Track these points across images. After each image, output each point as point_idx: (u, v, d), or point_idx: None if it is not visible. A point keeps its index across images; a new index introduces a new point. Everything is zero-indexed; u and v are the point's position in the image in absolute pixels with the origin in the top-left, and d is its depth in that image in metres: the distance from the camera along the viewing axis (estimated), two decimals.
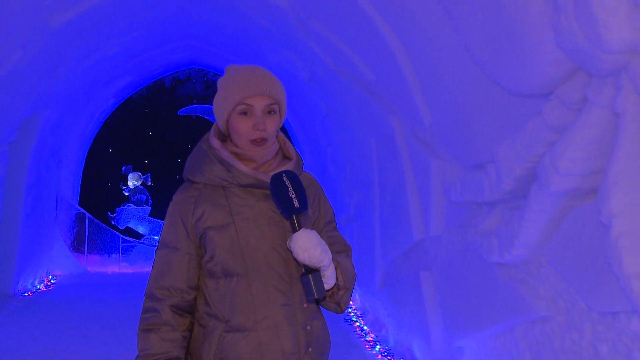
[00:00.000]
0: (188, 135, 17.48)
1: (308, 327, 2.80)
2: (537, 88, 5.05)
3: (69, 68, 11.68)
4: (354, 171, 11.03)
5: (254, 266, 2.76)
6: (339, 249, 3.01)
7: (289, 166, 2.92)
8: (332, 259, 2.76)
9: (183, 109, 17.26)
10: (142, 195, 17.12)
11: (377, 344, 9.27)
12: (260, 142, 2.84)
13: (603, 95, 4.53)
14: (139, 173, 17.06)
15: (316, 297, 2.64)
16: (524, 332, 5.97)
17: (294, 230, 2.68)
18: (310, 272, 2.65)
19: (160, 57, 14.73)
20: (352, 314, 10.94)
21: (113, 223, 16.91)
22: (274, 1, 9.29)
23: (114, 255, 16.29)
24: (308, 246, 2.60)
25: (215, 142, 2.92)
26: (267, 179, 2.81)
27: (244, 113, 2.84)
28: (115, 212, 17.08)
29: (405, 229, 8.25)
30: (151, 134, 17.30)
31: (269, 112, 2.86)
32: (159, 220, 17.33)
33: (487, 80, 5.64)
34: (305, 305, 2.82)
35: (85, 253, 16.09)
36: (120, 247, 16.43)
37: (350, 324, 10.54)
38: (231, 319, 2.75)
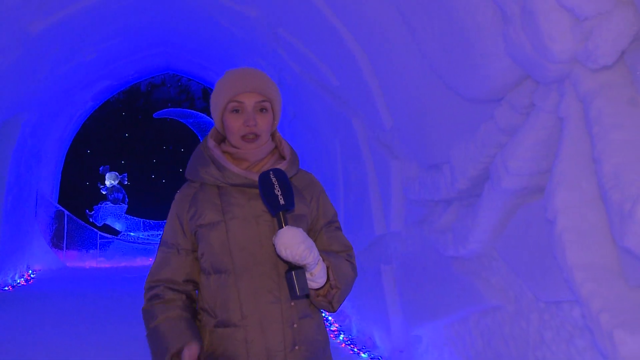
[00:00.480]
0: (163, 137, 17.45)
1: (295, 325, 2.71)
2: (489, 94, 5.11)
3: (49, 73, 11.65)
4: (320, 171, 11.03)
5: (241, 264, 2.70)
6: (337, 249, 2.91)
7: (282, 165, 2.85)
8: (324, 259, 2.69)
9: (158, 112, 17.19)
10: (119, 194, 17.06)
11: (341, 333, 9.31)
12: (251, 138, 2.77)
13: (548, 101, 4.61)
14: (116, 173, 17.00)
15: (298, 294, 2.55)
16: (477, 321, 6.04)
17: (280, 228, 2.59)
18: (294, 269, 2.57)
19: (136, 62, 14.69)
20: None
21: (91, 220, 16.84)
22: (245, 11, 9.32)
23: (91, 251, 16.22)
24: (291, 243, 2.51)
25: (211, 143, 2.86)
26: (257, 178, 2.74)
27: (236, 110, 2.78)
28: (93, 210, 17.01)
29: (367, 225, 8.30)
30: (128, 136, 17.24)
31: (261, 110, 2.79)
32: (135, 218, 17.26)
33: (443, 86, 5.69)
34: (292, 303, 2.72)
35: (64, 249, 15.99)
36: (98, 243, 16.35)
37: None
38: (219, 314, 2.70)
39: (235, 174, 2.75)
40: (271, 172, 2.63)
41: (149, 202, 17.36)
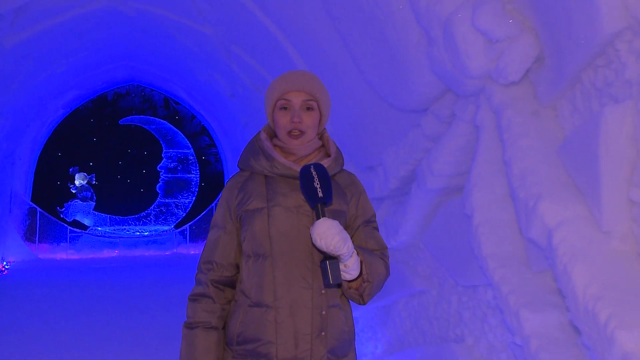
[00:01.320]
0: (128, 142, 17.28)
1: (323, 312, 2.54)
2: (417, 105, 5.20)
3: (22, 83, 11.49)
4: None
5: (278, 249, 2.56)
6: (373, 247, 2.72)
7: (326, 162, 2.67)
8: (359, 253, 2.51)
9: (123, 119, 17.05)
10: (88, 193, 16.88)
11: None
12: (296, 134, 2.64)
13: (467, 111, 4.73)
14: (85, 173, 16.81)
15: (331, 282, 2.39)
16: (405, 303, 6.14)
17: (317, 219, 2.43)
18: (329, 259, 2.40)
19: (103, 74, 14.56)
20: None
21: (62, 216, 16.63)
22: (202, 30, 9.31)
23: (62, 244, 16.02)
24: (326, 234, 2.35)
25: (263, 136, 2.74)
26: None
27: (284, 108, 2.66)
28: (63, 207, 16.80)
29: None
30: (95, 140, 17.05)
31: (307, 108, 2.66)
32: (102, 214, 17.13)
33: (377, 97, 5.77)
34: (323, 291, 2.56)
35: (37, 242, 15.78)
36: (68, 237, 16.15)
37: None
38: (255, 295, 2.56)
39: (282, 165, 2.63)
40: (312, 166, 2.49)
41: (115, 199, 17.17)
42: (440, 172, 5.04)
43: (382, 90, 5.56)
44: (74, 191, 17.02)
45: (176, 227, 17.12)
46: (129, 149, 17.43)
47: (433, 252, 5.47)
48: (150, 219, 17.40)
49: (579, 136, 3.74)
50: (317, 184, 2.43)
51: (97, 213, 17.16)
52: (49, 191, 16.90)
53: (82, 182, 16.97)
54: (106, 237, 16.61)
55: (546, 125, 4.24)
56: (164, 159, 17.44)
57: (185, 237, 16.69)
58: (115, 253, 16.09)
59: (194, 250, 16.54)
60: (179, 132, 17.31)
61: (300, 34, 6.71)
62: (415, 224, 5.58)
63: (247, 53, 8.55)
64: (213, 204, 16.67)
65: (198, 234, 16.72)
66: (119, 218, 17.28)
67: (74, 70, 12.87)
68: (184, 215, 17.28)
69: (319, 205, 2.44)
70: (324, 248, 2.36)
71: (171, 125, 17.25)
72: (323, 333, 2.53)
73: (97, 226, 17.05)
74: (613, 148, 3.41)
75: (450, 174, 5.02)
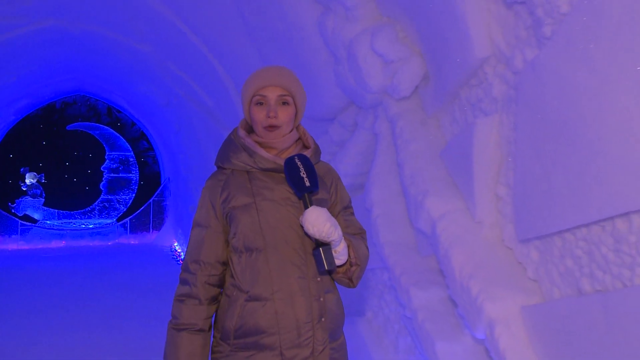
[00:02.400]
0: (74, 145, 16.95)
1: (321, 299, 2.35)
2: (325, 115, 5.27)
3: None
4: (199, 172, 10.98)
5: (271, 242, 2.33)
6: (354, 231, 2.55)
7: (306, 153, 2.45)
8: (345, 238, 2.36)
9: (70, 125, 16.71)
10: (37, 190, 16.48)
11: None
12: (272, 128, 2.39)
13: (367, 121, 4.82)
14: (35, 173, 16.42)
15: (326, 268, 2.23)
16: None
17: (306, 208, 2.26)
18: (321, 245, 2.23)
19: (52, 85, 14.22)
20: None
21: (13, 211, 16.19)
22: (141, 48, 9.20)
23: (13, 236, 15.61)
24: (317, 221, 2.19)
25: (241, 132, 2.47)
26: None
27: (260, 103, 2.41)
28: (15, 203, 16.36)
29: None
30: (45, 144, 16.64)
31: (283, 103, 2.42)
32: (50, 209, 16.75)
33: None
34: (318, 278, 2.35)
35: None
36: (19, 229, 15.73)
37: None
38: (251, 289, 2.33)
39: (266, 159, 2.39)
40: (296, 157, 2.31)
41: (63, 196, 16.81)
42: (345, 172, 5.10)
43: None
44: (24, 189, 16.57)
45: (118, 220, 16.86)
46: (75, 152, 17.07)
47: None
48: (95, 213, 17.08)
49: (457, 143, 3.85)
50: (303, 174, 2.28)
51: (46, 208, 16.76)
52: (2, 189, 16.42)
53: (32, 180, 16.55)
54: (54, 229, 16.23)
55: (431, 133, 4.34)
56: (107, 161, 17.16)
57: (126, 229, 16.45)
58: (62, 243, 15.73)
59: (133, 240, 16.31)
60: (121, 137, 17.06)
61: (226, 52, 6.70)
62: None
63: (179, 68, 8.50)
64: (151, 200, 16.49)
65: (137, 227, 16.50)
66: (66, 212, 16.92)
67: (25, 81, 12.54)
68: (124, 210, 17.02)
69: (306, 194, 2.28)
70: (316, 235, 2.21)
71: (113, 131, 16.97)
72: (323, 319, 2.36)
73: (47, 220, 16.65)
74: (483, 153, 3.53)
75: (353, 174, 5.08)
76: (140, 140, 17.24)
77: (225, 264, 2.46)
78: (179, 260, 12.68)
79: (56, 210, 16.89)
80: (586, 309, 2.91)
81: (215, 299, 2.45)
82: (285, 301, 2.30)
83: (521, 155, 3.21)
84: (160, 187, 16.61)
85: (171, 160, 14.95)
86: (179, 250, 13.63)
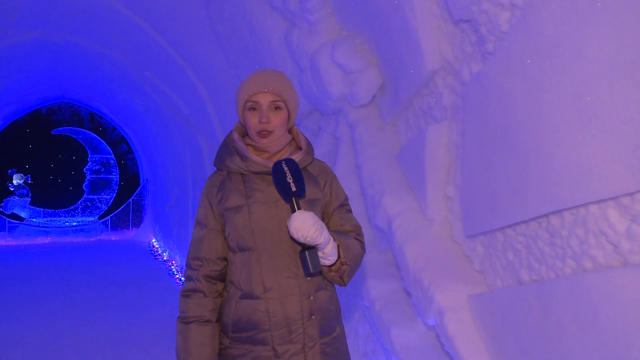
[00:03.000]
0: (58, 148, 16.73)
1: (311, 297, 2.28)
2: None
3: None
4: (175, 173, 10.92)
5: (262, 242, 2.26)
6: (349, 229, 2.47)
7: (297, 155, 2.36)
8: (335, 238, 2.27)
9: (55, 129, 16.49)
10: (24, 190, 16.23)
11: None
12: (264, 134, 2.29)
13: (329, 126, 4.83)
14: (22, 174, 16.19)
15: (311, 271, 2.15)
16: None
17: (293, 212, 2.17)
18: (308, 249, 2.16)
19: (38, 93, 14.02)
20: (174, 269, 10.72)
21: (1, 210, 15.93)
22: (120, 59, 9.13)
23: (1, 233, 15.36)
24: (302, 227, 2.10)
25: (235, 136, 2.39)
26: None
27: (253, 109, 2.29)
28: (2, 202, 16.10)
29: None
30: (31, 147, 16.41)
31: (275, 108, 2.29)
32: (37, 208, 16.51)
33: None
34: (309, 278, 2.29)
35: None
36: (7, 227, 15.49)
37: (172, 277, 10.26)
38: (244, 287, 2.27)
39: (257, 163, 2.30)
40: (283, 162, 2.21)
41: (48, 196, 16.59)
42: None
43: None
44: (12, 189, 16.32)
45: (99, 218, 16.68)
46: (59, 155, 16.86)
47: None
48: (78, 211, 16.88)
49: (411, 147, 3.88)
50: (289, 179, 2.17)
51: (32, 207, 16.52)
52: None
53: (19, 181, 16.29)
54: (40, 227, 16.02)
55: (388, 138, 4.36)
56: (90, 163, 16.96)
57: (107, 227, 16.29)
58: (48, 240, 15.52)
59: (114, 237, 16.15)
60: (102, 141, 16.87)
61: (199, 63, 6.67)
62: None
63: (157, 77, 8.44)
64: (130, 200, 16.35)
65: (118, 224, 16.35)
66: (51, 211, 16.70)
67: (12, 89, 12.36)
68: (105, 209, 16.85)
69: (293, 198, 2.18)
70: (301, 240, 2.13)
71: (95, 135, 16.79)
72: (313, 316, 2.29)
73: (33, 218, 16.41)
74: (434, 156, 3.57)
75: None
76: (120, 144, 17.07)
77: (226, 260, 2.38)
78: (156, 255, 12.60)
79: (42, 209, 16.67)
80: (524, 296, 2.95)
81: (219, 292, 2.38)
82: (276, 300, 2.24)
83: (468, 159, 3.24)
84: (139, 188, 16.47)
85: (149, 163, 14.85)
86: (156, 246, 13.53)
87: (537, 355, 2.87)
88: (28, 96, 14.05)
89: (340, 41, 4.27)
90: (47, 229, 15.99)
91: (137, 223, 16.27)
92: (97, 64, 10.31)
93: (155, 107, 10.23)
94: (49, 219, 16.68)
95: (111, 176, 17.08)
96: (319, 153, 4.99)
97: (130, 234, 16.08)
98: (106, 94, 13.05)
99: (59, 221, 16.67)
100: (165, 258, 12.04)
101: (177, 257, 11.07)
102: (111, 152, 17.01)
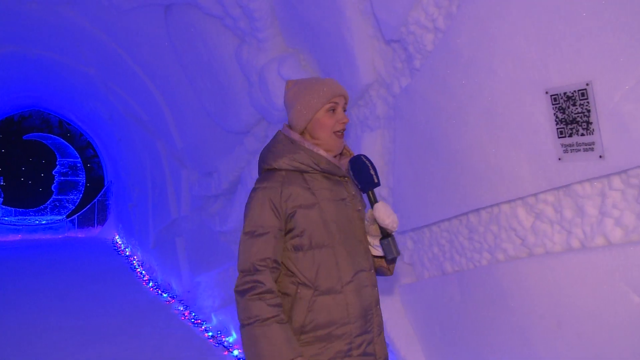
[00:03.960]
0: (30, 152, 16.32)
1: (376, 288, 2.19)
2: (241, 128, 5.21)
3: None
4: (136, 175, 10.74)
5: (337, 238, 2.08)
6: None
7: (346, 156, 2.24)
8: None
9: (27, 135, 16.09)
10: None
11: (150, 281, 9.09)
12: (341, 134, 2.17)
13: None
14: None
15: (395, 255, 2.08)
16: (234, 270, 6.13)
17: (371, 202, 2.10)
18: (388, 236, 2.08)
19: (11, 101, 13.63)
20: (135, 264, 10.61)
21: None
22: (86, 69, 8.92)
23: None
24: (390, 212, 2.06)
25: (297, 136, 2.14)
26: (342, 166, 2.17)
27: (332, 110, 2.13)
28: None
29: (166, 211, 8.17)
30: (4, 151, 15.95)
31: (344, 110, 2.20)
32: (9, 207, 16.06)
33: (213, 123, 5.73)
34: (372, 271, 2.18)
35: None
36: None
37: (133, 270, 10.24)
38: (323, 284, 2.04)
39: (328, 160, 2.13)
40: (362, 156, 2.13)
41: (19, 196, 16.13)
42: (255, 177, 5.07)
43: (217, 117, 5.53)
44: None
45: (67, 217, 16.32)
46: (30, 158, 16.44)
47: None
48: (47, 210, 16.46)
49: None
50: (372, 172, 2.10)
51: (4, 207, 16.05)
52: None
53: None
54: (11, 225, 15.57)
55: None
56: (58, 166, 16.57)
57: (74, 225, 15.93)
58: (19, 237, 15.10)
59: (80, 234, 15.77)
60: (70, 146, 16.51)
61: (159, 75, 6.58)
62: (240, 214, 5.59)
63: (120, 87, 8.28)
64: (95, 200, 16.04)
65: (84, 222, 16.00)
66: (22, 210, 16.26)
67: None
68: (73, 208, 16.48)
69: (372, 190, 2.11)
70: (389, 226, 2.05)
71: (64, 141, 16.42)
72: (378, 305, 2.19)
73: (5, 217, 15.95)
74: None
75: None
76: (87, 149, 16.71)
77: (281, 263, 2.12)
78: (119, 251, 12.39)
79: (13, 209, 16.22)
80: (447, 285, 2.98)
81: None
82: (353, 292, 2.07)
83: (398, 163, 3.26)
84: (104, 189, 16.15)
85: (113, 166, 14.58)
86: (119, 242, 13.27)
87: (459, 335, 2.91)
88: (2, 105, 13.68)
89: (286, 57, 4.26)
90: (18, 227, 15.58)
91: (102, 221, 15.94)
92: (66, 76, 10.07)
93: (118, 115, 10.04)
94: (20, 217, 16.27)
95: (78, 178, 16.73)
96: None
97: (95, 231, 15.74)
98: (74, 102, 12.77)
99: (29, 220, 16.26)
100: (127, 253, 11.83)
101: (139, 253, 10.89)
102: (78, 156, 16.68)
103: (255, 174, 5.09)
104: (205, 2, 4.68)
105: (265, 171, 2.14)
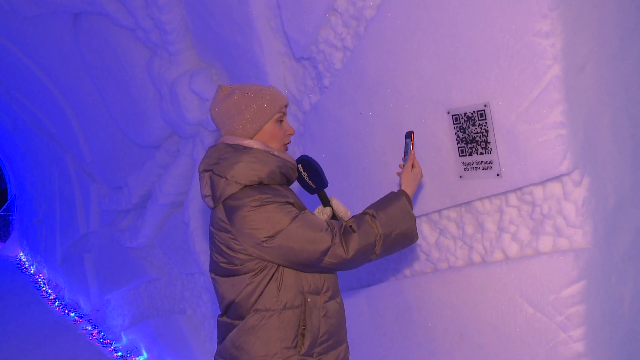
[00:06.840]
0: None
1: None
2: (152, 142, 5.10)
3: None
4: (43, 189, 10.27)
5: None
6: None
7: None
8: None
9: None
10: None
11: (57, 300, 8.71)
12: (288, 145, 2.05)
13: (187, 148, 4.72)
14: None
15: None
16: (145, 287, 5.99)
17: (325, 200, 2.10)
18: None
19: None
20: (41, 282, 10.11)
21: None
22: None
23: None
24: (345, 207, 2.11)
25: (265, 145, 1.95)
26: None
27: (280, 120, 1.99)
28: None
29: (74, 226, 7.85)
30: None
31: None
32: None
33: (124, 136, 5.59)
34: None
35: None
36: None
37: (39, 289, 9.77)
38: (333, 288, 1.99)
39: (295, 170, 2.02)
40: (308, 156, 2.10)
41: None
42: (168, 192, 4.98)
43: (127, 130, 5.39)
44: None
45: None
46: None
47: (163, 249, 5.38)
48: None
49: None
50: (322, 174, 2.08)
51: None
52: None
53: None
54: None
55: None
56: None
57: None
58: None
59: None
60: None
61: (67, 84, 6.34)
62: (150, 229, 5.46)
63: (25, 97, 7.91)
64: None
65: None
66: None
67: None
68: None
69: (321, 190, 2.10)
70: (345, 215, 2.10)
71: None
72: None
73: None
74: None
75: (175, 193, 4.97)
76: None
77: None
78: (22, 269, 11.78)
79: None
80: (356, 301, 3.01)
81: None
82: (339, 293, 2.07)
83: None
84: (7, 203, 15.36)
85: (17, 179, 13.87)
86: (23, 260, 12.63)
87: (367, 350, 2.94)
88: None
89: (198, 71, 4.21)
90: None
91: (4, 237, 15.12)
92: None
93: (23, 126, 9.56)
94: None
95: None
96: (176, 173, 4.88)
97: None
98: None
99: None
100: (32, 271, 11.25)
101: (45, 270, 10.39)
102: None
103: (164, 189, 4.97)
104: (117, 13, 4.56)
105: (249, 188, 1.86)
